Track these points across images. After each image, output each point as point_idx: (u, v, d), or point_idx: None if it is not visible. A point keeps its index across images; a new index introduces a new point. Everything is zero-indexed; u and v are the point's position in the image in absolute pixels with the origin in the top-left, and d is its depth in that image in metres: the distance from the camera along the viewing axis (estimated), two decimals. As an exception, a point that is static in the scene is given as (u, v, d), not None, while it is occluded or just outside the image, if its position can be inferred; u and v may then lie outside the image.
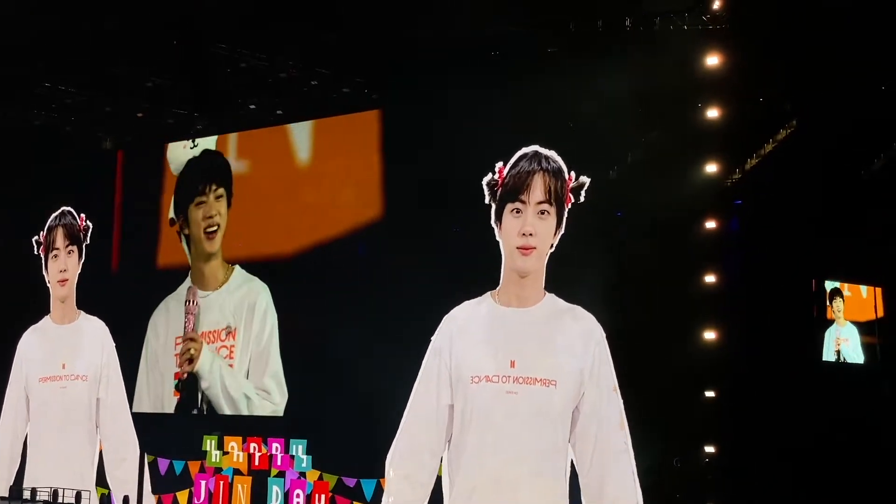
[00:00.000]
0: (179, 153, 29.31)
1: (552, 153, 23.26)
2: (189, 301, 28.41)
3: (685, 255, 21.06)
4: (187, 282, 28.94)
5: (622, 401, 21.58)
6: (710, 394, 20.55)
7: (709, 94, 21.05)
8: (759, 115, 21.50)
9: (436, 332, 24.68)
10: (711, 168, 21.03)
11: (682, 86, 21.25)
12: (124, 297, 30.55)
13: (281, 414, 26.97)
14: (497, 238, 23.71)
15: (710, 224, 20.94)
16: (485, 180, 24.25)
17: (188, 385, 28.24)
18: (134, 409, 29.56)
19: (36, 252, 33.63)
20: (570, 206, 22.87)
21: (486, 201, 23.98)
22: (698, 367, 20.72)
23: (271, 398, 27.10)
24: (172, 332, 29.01)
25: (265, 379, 27.18)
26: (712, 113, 20.98)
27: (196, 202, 28.61)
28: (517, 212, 23.61)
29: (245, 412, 27.54)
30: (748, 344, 20.71)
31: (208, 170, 28.79)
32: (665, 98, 21.38)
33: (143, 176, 31.10)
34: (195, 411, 28.21)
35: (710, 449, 20.52)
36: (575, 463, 22.13)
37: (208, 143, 28.93)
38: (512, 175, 23.90)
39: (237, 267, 27.95)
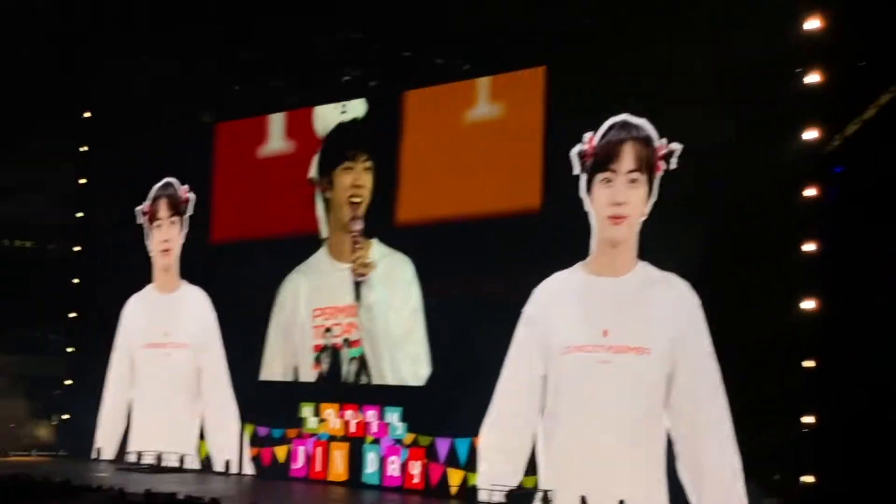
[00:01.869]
0: (328, 115, 29.01)
1: (642, 121, 23.37)
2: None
3: (783, 224, 20.71)
4: (321, 253, 28.78)
5: (717, 368, 21.55)
6: (808, 364, 20.20)
7: (808, 59, 20.64)
8: (859, 80, 20.95)
9: (527, 304, 25.05)
10: (811, 135, 20.63)
11: (781, 51, 20.86)
12: (230, 267, 31.07)
13: (423, 384, 26.54)
14: (587, 209, 24.15)
15: (810, 192, 20.55)
16: (574, 151, 24.67)
17: (331, 357, 28.29)
18: (262, 378, 29.75)
19: (140, 222, 34.83)
20: (660, 173, 22.98)
21: (576, 172, 24.40)
22: (797, 337, 20.38)
23: (417, 368, 26.63)
24: (310, 303, 28.95)
25: (415, 349, 26.71)
26: (812, 78, 20.58)
27: (344, 167, 28.42)
28: (607, 181, 23.85)
29: (390, 378, 27.11)
30: (848, 313, 20.28)
31: (360, 138, 28.36)
32: (763, 64, 21.00)
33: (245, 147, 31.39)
34: (321, 376, 28.36)
35: (808, 419, 20.19)
36: (671, 430, 22.19)
37: (358, 106, 28.46)
38: (601, 145, 24.15)
39: (375, 240, 27.72)
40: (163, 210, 33.47)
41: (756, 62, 21.02)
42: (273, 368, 29.63)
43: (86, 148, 36.20)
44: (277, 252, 29.71)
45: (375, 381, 27.37)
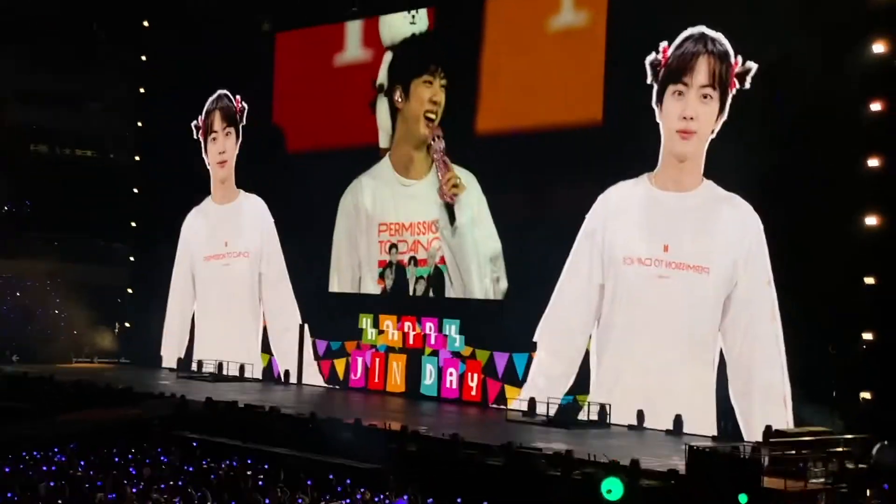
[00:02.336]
0: (397, 25, 28.52)
1: (719, 35, 22.77)
2: (435, 137, 27.26)
3: (849, 139, 20.35)
4: (385, 165, 28.66)
5: (776, 293, 21.36)
6: (869, 280, 20.00)
7: (878, -30, 20.10)
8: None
9: (590, 212, 24.91)
10: (879, 48, 20.15)
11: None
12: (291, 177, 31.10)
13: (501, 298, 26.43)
14: (657, 120, 23.80)
15: (876, 106, 20.13)
16: (648, 60, 24.09)
17: (395, 274, 28.38)
18: (330, 289, 29.89)
19: (195, 136, 34.92)
20: (734, 91, 22.48)
21: (648, 81, 24.01)
22: (859, 254, 20.16)
23: (499, 283, 26.51)
24: (376, 217, 28.95)
25: (488, 261, 26.63)
26: (881, -7, 20.05)
27: (423, 80, 27.99)
28: (679, 94, 23.40)
29: (470, 290, 26.90)
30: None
31: (438, 53, 27.84)
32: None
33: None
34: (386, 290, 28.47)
35: (868, 336, 20.04)
36: (724, 352, 22.18)
37: (424, 17, 27.99)
38: (676, 56, 23.61)
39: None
40: (217, 122, 33.62)
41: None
42: (339, 278, 29.73)
43: (144, 58, 36.27)
44: (347, 161, 29.66)
45: (461, 278, 27.16)
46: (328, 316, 29.85)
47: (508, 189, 26.24)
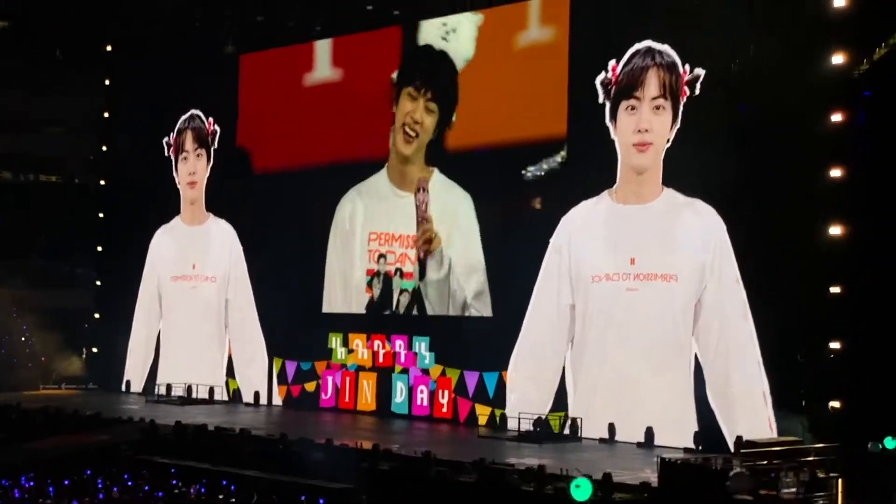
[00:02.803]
0: (428, 30, 27.82)
1: (665, 47, 23.21)
2: (420, 189, 27.26)
3: (810, 149, 20.52)
4: (382, 175, 28.35)
5: (745, 293, 21.52)
6: (835, 290, 20.15)
7: (836, -18, 20.31)
8: (888, 3, 20.62)
9: (555, 233, 25.06)
10: (838, 59, 20.37)
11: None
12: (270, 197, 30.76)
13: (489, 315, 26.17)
14: (612, 136, 23.98)
15: (836, 117, 20.33)
16: (598, 79, 24.45)
17: (383, 284, 28.18)
18: (324, 310, 29.35)
19: (166, 154, 34.76)
20: (685, 99, 22.83)
21: (601, 100, 24.23)
22: (824, 263, 20.31)
23: (481, 309, 26.27)
24: (368, 225, 28.65)
25: (472, 298, 26.38)
26: (839, 1, 20.25)
27: (408, 92, 27.95)
28: (632, 109, 23.78)
29: (452, 311, 26.79)
30: (875, 239, 20.18)
31: (432, 72, 27.57)
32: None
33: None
34: (387, 312, 28.06)
35: (835, 345, 20.19)
36: (699, 356, 22.26)
37: (468, 24, 27.00)
38: (625, 72, 24.03)
39: (436, 171, 27.30)
40: (189, 142, 33.50)
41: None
42: (333, 289, 29.37)
43: (108, 81, 36.14)
44: (327, 179, 29.48)
45: (437, 307, 27.10)
46: (297, 336, 29.73)
47: (477, 205, 26.35)
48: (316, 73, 30.01)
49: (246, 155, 31.76)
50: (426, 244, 27.16)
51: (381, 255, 28.10)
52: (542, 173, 25.14)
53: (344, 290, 29.04)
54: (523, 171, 25.37)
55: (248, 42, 31.95)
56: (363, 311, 28.49)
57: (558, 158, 24.86)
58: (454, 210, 26.77)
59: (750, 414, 21.03)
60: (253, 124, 31.70)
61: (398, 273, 27.82)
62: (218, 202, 32.69)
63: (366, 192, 28.68)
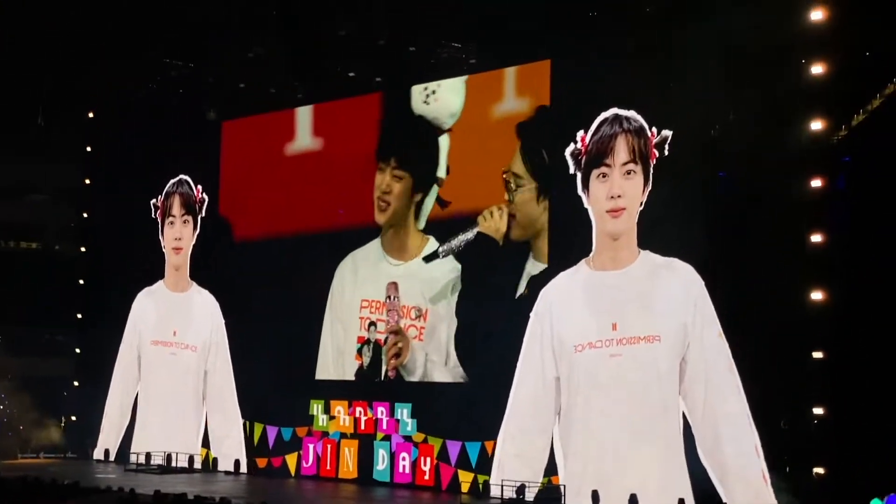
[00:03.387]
0: (416, 98, 27.94)
1: (631, 113, 23.59)
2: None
3: (791, 214, 20.67)
4: (376, 242, 28.24)
5: (728, 347, 21.50)
6: (818, 355, 20.18)
7: (813, 50, 20.63)
8: (865, 70, 20.93)
9: (535, 307, 25.10)
10: (817, 125, 20.62)
11: (786, 42, 20.85)
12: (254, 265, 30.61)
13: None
14: (586, 205, 24.14)
15: (816, 182, 20.52)
16: (568, 151, 24.74)
17: (372, 352, 28.00)
18: (317, 376, 29.00)
19: (153, 216, 34.60)
20: (655, 161, 23.05)
21: (571, 171, 24.41)
22: (806, 328, 20.37)
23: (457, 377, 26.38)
24: (359, 291, 28.52)
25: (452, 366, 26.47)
26: (817, 69, 20.55)
27: (381, 166, 28.07)
28: (603, 176, 24.06)
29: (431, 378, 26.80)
30: (857, 305, 20.25)
31: (406, 144, 27.86)
32: (769, 54, 20.99)
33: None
34: (377, 380, 27.85)
35: (818, 411, 20.17)
36: (687, 414, 22.17)
37: (454, 89, 27.15)
38: (594, 141, 24.38)
39: (432, 239, 27.28)
40: (176, 207, 33.42)
41: (762, 52, 21.00)
42: (325, 356, 29.08)
43: (89, 148, 36.18)
44: (293, 248, 29.59)
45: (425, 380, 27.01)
46: (279, 403, 29.50)
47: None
48: (297, 142, 30.11)
49: (226, 223, 31.73)
50: (395, 358, 27.28)
51: (372, 323, 27.99)
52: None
53: (335, 357, 28.86)
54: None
55: (230, 108, 32.00)
56: (353, 379, 28.27)
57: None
58: (445, 287, 26.76)
59: (744, 468, 20.90)
60: (235, 192, 31.67)
61: (395, 333, 27.61)
62: (201, 270, 32.57)
63: (360, 259, 28.61)
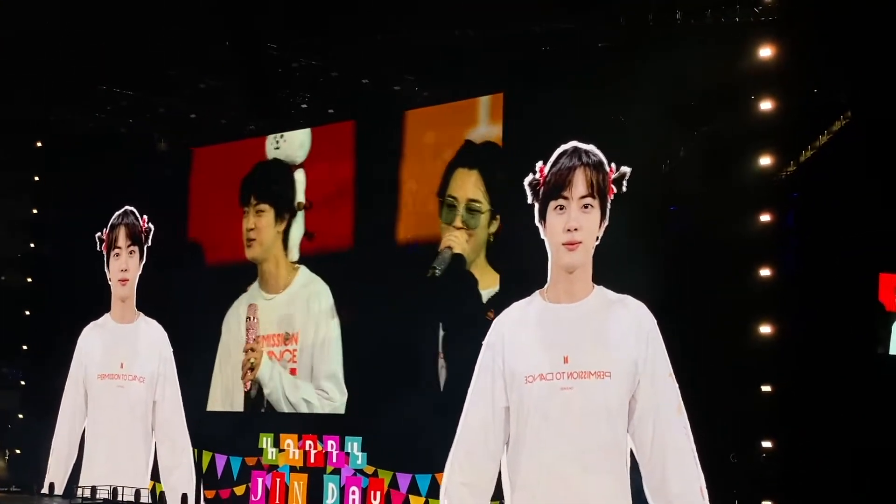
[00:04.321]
0: (268, 146, 29.13)
1: (591, 147, 23.36)
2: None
3: (740, 249, 20.82)
4: (256, 284, 28.77)
5: (678, 387, 21.51)
6: (766, 388, 20.32)
7: (761, 86, 20.80)
8: (813, 107, 21.21)
9: (487, 336, 24.79)
10: (765, 161, 20.80)
11: (735, 78, 21.04)
12: (191, 297, 30.62)
13: (342, 412, 27.03)
14: (542, 237, 23.98)
15: (765, 217, 20.69)
16: (526, 181, 24.49)
17: (256, 384, 28.47)
18: (209, 408, 29.67)
19: (98, 249, 34.16)
20: (612, 197, 23.01)
21: (529, 201, 24.39)
22: (754, 362, 20.49)
23: (330, 398, 27.20)
24: (243, 331, 29.01)
25: (323, 381, 27.27)
26: (765, 105, 20.74)
27: (245, 210, 28.95)
28: (561, 208, 23.72)
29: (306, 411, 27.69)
30: (806, 339, 20.44)
31: (256, 184, 28.90)
32: (717, 91, 21.20)
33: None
34: (262, 409, 28.39)
35: (767, 444, 20.28)
36: (635, 453, 22.09)
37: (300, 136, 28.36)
38: (553, 173, 24.07)
39: (302, 268, 27.82)
40: (122, 238, 33.12)
41: (712, 88, 21.20)
42: (215, 394, 29.66)
43: (37, 178, 35.84)
44: (232, 276, 29.63)
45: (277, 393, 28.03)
46: (226, 435, 29.28)
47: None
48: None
49: (187, 250, 31.61)
50: (249, 372, 28.33)
51: (251, 368, 28.68)
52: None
53: (223, 393, 29.49)
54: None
55: (184, 137, 31.91)
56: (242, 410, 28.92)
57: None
58: (317, 310, 27.55)
59: None
60: (196, 221, 31.53)
61: (250, 350, 28.60)
62: (150, 300, 32.32)
63: (246, 296, 29.08)
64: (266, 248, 28.33)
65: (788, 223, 21.09)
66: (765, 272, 20.56)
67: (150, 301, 31.97)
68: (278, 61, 27.17)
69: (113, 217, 33.46)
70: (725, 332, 20.85)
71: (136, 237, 33.10)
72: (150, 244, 32.51)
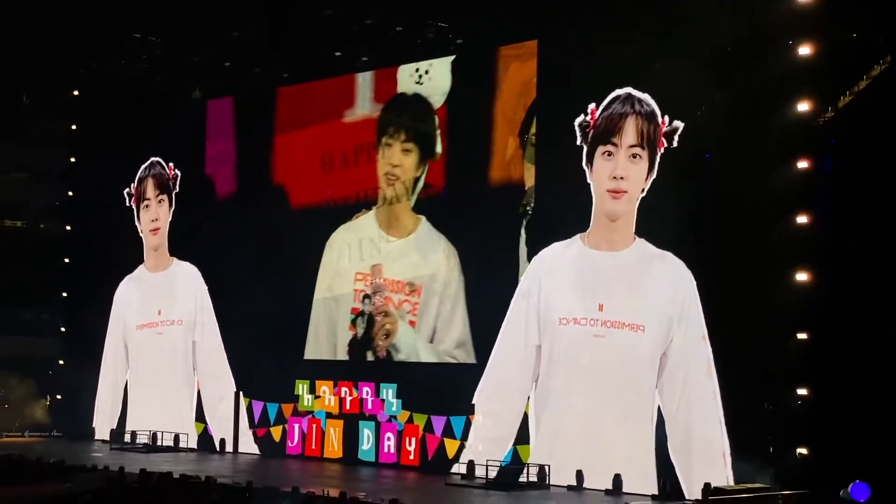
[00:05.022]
0: (403, 79, 27.89)
1: (646, 96, 23.17)
2: (376, 280, 27.70)
3: (776, 196, 20.63)
4: (370, 217, 28.11)
5: (711, 349, 21.52)
6: (802, 336, 20.21)
7: (799, 31, 20.52)
8: (852, 52, 20.86)
9: (524, 274, 25.08)
10: (803, 107, 20.56)
11: (773, 23, 20.74)
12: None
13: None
14: (588, 180, 24.02)
15: (802, 164, 20.49)
16: (577, 121, 24.37)
17: (366, 324, 27.90)
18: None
19: (128, 204, 34.59)
20: (662, 150, 22.83)
21: (578, 142, 24.29)
22: (790, 310, 20.35)
23: (463, 358, 26.15)
24: (353, 265, 28.29)
25: (454, 347, 26.28)
26: (803, 50, 20.47)
27: (388, 141, 27.86)
28: (609, 154, 23.73)
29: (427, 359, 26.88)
30: (841, 285, 20.24)
31: (403, 118, 27.68)
32: (755, 36, 20.91)
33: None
34: (368, 351, 27.80)
35: (802, 392, 20.21)
36: (661, 409, 22.22)
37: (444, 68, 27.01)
38: (604, 117, 23.98)
39: (423, 218, 27.24)
40: (150, 189, 33.42)
41: (748, 34, 20.92)
42: (318, 327, 29.07)
43: (75, 127, 36.03)
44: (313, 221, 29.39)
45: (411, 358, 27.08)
46: (264, 381, 29.54)
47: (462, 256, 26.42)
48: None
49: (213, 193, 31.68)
50: (384, 338, 27.35)
51: (367, 296, 27.90)
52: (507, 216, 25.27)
53: (328, 329, 28.82)
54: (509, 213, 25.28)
55: (217, 87, 31.92)
56: (346, 349, 28.26)
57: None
58: (437, 266, 26.71)
59: (709, 472, 20.78)
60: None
61: (383, 314, 27.60)
62: (184, 246, 32.51)
63: (352, 233, 28.48)
64: (399, 191, 27.53)
65: (826, 169, 20.84)
66: (801, 219, 20.39)
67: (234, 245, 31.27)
68: (310, 9, 27.16)
69: (139, 171, 33.78)
70: (761, 280, 20.72)
71: (163, 186, 33.33)
72: (177, 190, 32.73)
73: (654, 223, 22.50)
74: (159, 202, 33.18)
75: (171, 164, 32.77)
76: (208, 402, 31.17)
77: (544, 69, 24.90)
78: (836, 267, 20.24)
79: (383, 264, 27.65)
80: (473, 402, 25.08)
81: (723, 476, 20.73)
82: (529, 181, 24.96)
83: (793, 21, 20.66)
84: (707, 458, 21.21)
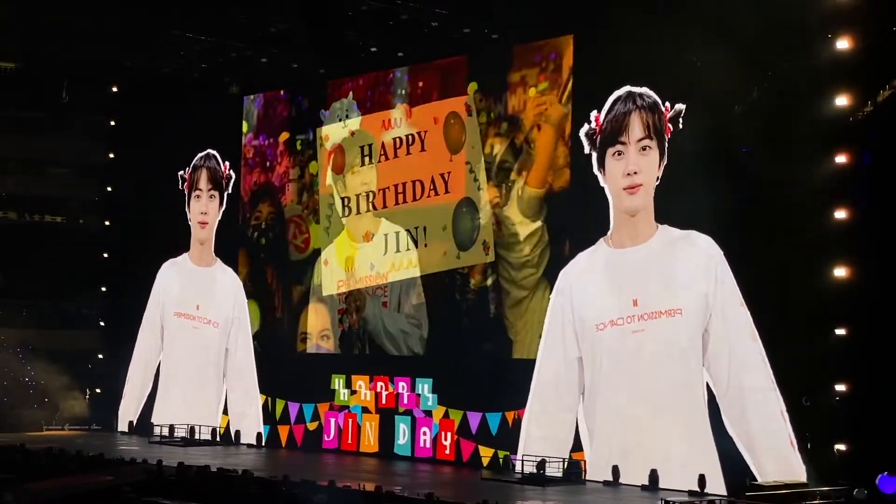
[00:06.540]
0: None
1: (644, 89, 23.46)
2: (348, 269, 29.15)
3: (815, 190, 20.49)
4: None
5: (749, 314, 21.35)
6: (840, 331, 20.07)
7: (839, 25, 20.36)
8: (891, 46, 20.69)
9: (555, 288, 25.09)
10: (842, 101, 20.39)
11: (812, 17, 20.60)
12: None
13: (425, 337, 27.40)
14: (602, 184, 24.11)
15: (841, 158, 20.32)
16: (582, 132, 24.64)
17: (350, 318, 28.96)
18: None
19: (180, 187, 34.68)
20: (669, 135, 22.94)
21: (586, 151, 24.37)
22: (829, 305, 20.23)
23: (421, 327, 27.43)
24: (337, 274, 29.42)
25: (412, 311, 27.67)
26: (843, 44, 20.31)
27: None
28: (619, 154, 23.98)
29: (402, 345, 27.89)
30: (881, 281, 20.11)
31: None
32: (794, 30, 20.76)
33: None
34: (356, 350, 28.79)
35: (840, 388, 20.08)
36: (712, 385, 22.04)
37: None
38: (609, 120, 24.28)
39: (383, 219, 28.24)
40: (203, 181, 33.54)
41: (787, 27, 20.77)
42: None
43: (113, 123, 36.29)
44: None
45: (388, 345, 28.17)
46: (300, 379, 29.69)
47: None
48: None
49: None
50: (356, 313, 28.82)
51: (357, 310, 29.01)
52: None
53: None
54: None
55: (254, 83, 32.10)
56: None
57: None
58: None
59: (770, 436, 20.81)
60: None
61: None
62: (227, 247, 32.82)
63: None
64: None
65: (865, 164, 20.69)
66: (840, 214, 20.23)
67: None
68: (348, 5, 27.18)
69: (196, 158, 33.94)
70: (800, 275, 20.60)
71: (217, 182, 33.43)
72: (230, 191, 32.89)
73: (693, 217, 22.35)
74: (210, 196, 33.32)
75: (226, 163, 32.89)
76: (234, 411, 31.68)
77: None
78: (875, 262, 20.11)
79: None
80: (522, 426, 25.06)
81: (785, 436, 20.60)
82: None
83: (831, 15, 20.51)
84: (766, 423, 21.00)
